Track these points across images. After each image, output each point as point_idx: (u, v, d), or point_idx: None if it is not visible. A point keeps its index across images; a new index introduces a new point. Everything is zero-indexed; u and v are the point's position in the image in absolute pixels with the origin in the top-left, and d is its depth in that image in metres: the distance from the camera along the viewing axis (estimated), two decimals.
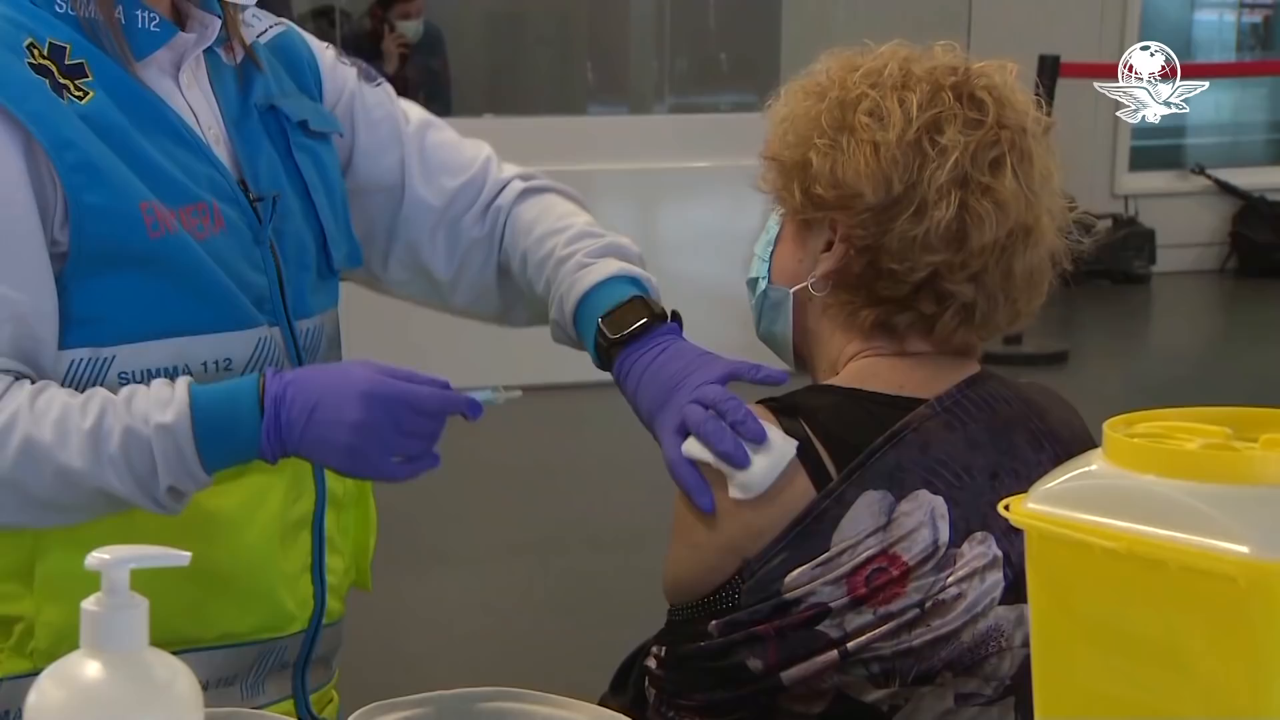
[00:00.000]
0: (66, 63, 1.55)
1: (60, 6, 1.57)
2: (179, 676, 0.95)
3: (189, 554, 0.99)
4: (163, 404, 1.50)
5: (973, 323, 1.61)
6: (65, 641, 1.47)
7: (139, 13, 1.59)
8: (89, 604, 0.94)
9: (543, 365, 5.74)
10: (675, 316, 1.69)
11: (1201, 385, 6.21)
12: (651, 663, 1.60)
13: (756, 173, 1.69)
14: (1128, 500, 1.07)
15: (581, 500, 4.92)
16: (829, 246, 1.62)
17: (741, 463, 1.52)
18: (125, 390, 1.52)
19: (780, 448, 1.53)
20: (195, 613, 1.63)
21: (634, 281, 1.72)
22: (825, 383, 1.64)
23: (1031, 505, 1.12)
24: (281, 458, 1.53)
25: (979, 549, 1.53)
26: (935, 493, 1.53)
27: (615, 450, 4.46)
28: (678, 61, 7.47)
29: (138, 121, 1.58)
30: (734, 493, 1.54)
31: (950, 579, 1.52)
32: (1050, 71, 5.88)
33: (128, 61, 1.58)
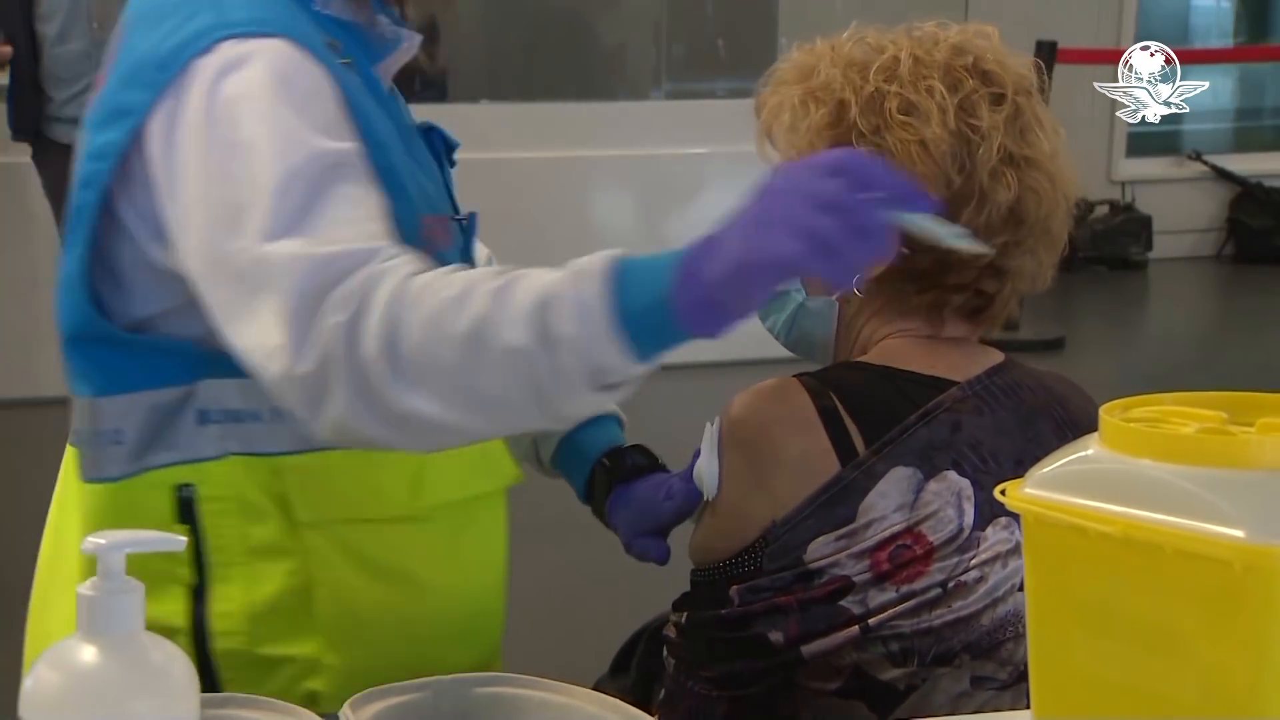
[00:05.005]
0: (340, 62, 1.49)
1: (318, 5, 1.51)
2: (175, 661, 0.95)
3: (184, 539, 0.99)
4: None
5: (1019, 292, 1.64)
6: (357, 681, 1.39)
7: (378, 17, 1.55)
8: (84, 589, 0.94)
9: None
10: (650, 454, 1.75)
11: (1198, 371, 6.21)
12: (671, 631, 1.62)
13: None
14: (1124, 484, 1.07)
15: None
16: None
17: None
18: None
19: (703, 452, 1.59)
20: (423, 659, 1.52)
21: (616, 419, 1.78)
22: (856, 359, 1.64)
23: (1028, 490, 1.13)
24: (698, 315, 1.24)
25: (1002, 534, 1.54)
26: (963, 475, 1.54)
27: None
28: (674, 48, 7.45)
29: (399, 127, 1.54)
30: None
31: (973, 561, 1.53)
32: (1047, 57, 5.87)
33: (381, 65, 1.55)
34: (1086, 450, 1.12)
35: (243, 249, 1.34)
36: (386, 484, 1.51)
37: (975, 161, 1.56)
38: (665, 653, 1.63)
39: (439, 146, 1.66)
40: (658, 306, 1.24)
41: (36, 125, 4.25)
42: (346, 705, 1.24)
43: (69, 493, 1.57)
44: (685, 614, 1.60)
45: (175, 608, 1.49)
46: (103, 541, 0.95)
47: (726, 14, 7.51)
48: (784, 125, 1.62)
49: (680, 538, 1.68)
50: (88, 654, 0.93)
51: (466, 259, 1.61)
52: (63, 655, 0.94)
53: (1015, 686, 1.56)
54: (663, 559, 1.67)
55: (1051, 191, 1.59)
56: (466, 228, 1.63)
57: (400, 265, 1.31)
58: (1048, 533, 1.11)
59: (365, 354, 1.28)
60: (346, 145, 1.39)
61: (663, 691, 1.62)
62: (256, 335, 1.33)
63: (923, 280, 1.60)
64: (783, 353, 1.73)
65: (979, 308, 1.63)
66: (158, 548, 0.97)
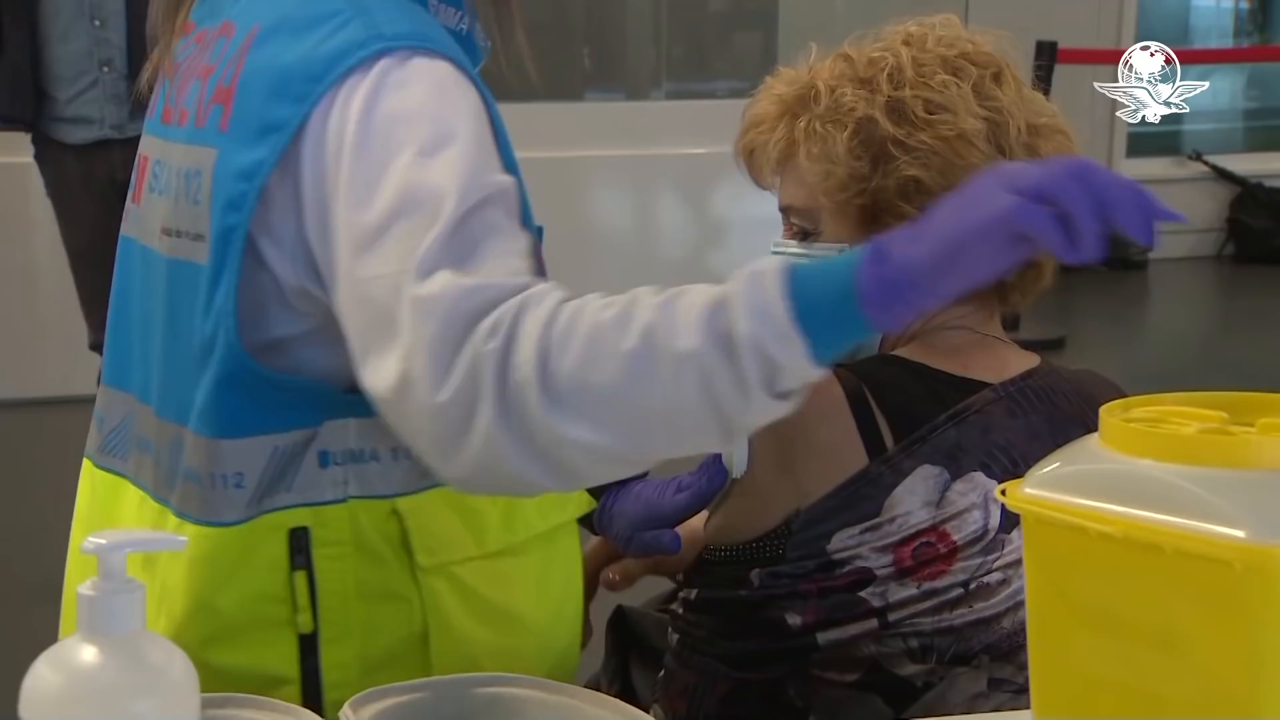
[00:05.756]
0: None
1: (432, 10, 1.46)
2: (175, 660, 0.95)
3: (185, 539, 0.99)
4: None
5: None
6: None
7: (476, 25, 1.51)
8: (85, 589, 0.94)
9: None
10: None
11: (1199, 371, 6.20)
12: (677, 606, 1.62)
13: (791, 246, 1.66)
14: (1124, 485, 1.07)
15: None
16: None
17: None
18: None
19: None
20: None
21: None
22: (893, 353, 1.65)
23: (1028, 490, 1.13)
24: (890, 295, 1.18)
25: None
26: (991, 476, 1.55)
27: None
28: (674, 48, 7.45)
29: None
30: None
31: (997, 563, 1.54)
32: (1048, 57, 5.87)
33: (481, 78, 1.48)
34: (1087, 450, 1.12)
35: (383, 275, 1.27)
36: (486, 516, 1.46)
37: (1009, 142, 1.58)
38: (669, 629, 1.64)
39: None
40: (840, 292, 1.18)
41: (28, 117, 4.24)
42: (347, 705, 1.24)
43: (98, 516, 1.52)
44: (696, 591, 1.61)
45: (287, 657, 1.41)
46: (103, 541, 0.95)
47: (726, 14, 7.51)
48: (812, 155, 1.61)
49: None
50: (88, 654, 0.93)
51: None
52: (63, 655, 0.94)
53: None
54: (676, 547, 1.65)
55: (1072, 147, 1.62)
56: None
57: (549, 292, 1.26)
58: (1048, 533, 1.11)
59: (518, 382, 1.22)
60: (503, 178, 1.33)
61: (661, 670, 1.63)
62: (392, 366, 1.26)
63: None
64: None
65: (1032, 277, 1.65)
66: (159, 547, 0.97)
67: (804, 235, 1.66)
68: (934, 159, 1.57)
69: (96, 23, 4.14)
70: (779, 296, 1.17)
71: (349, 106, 1.33)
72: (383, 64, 1.34)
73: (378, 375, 1.27)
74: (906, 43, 1.62)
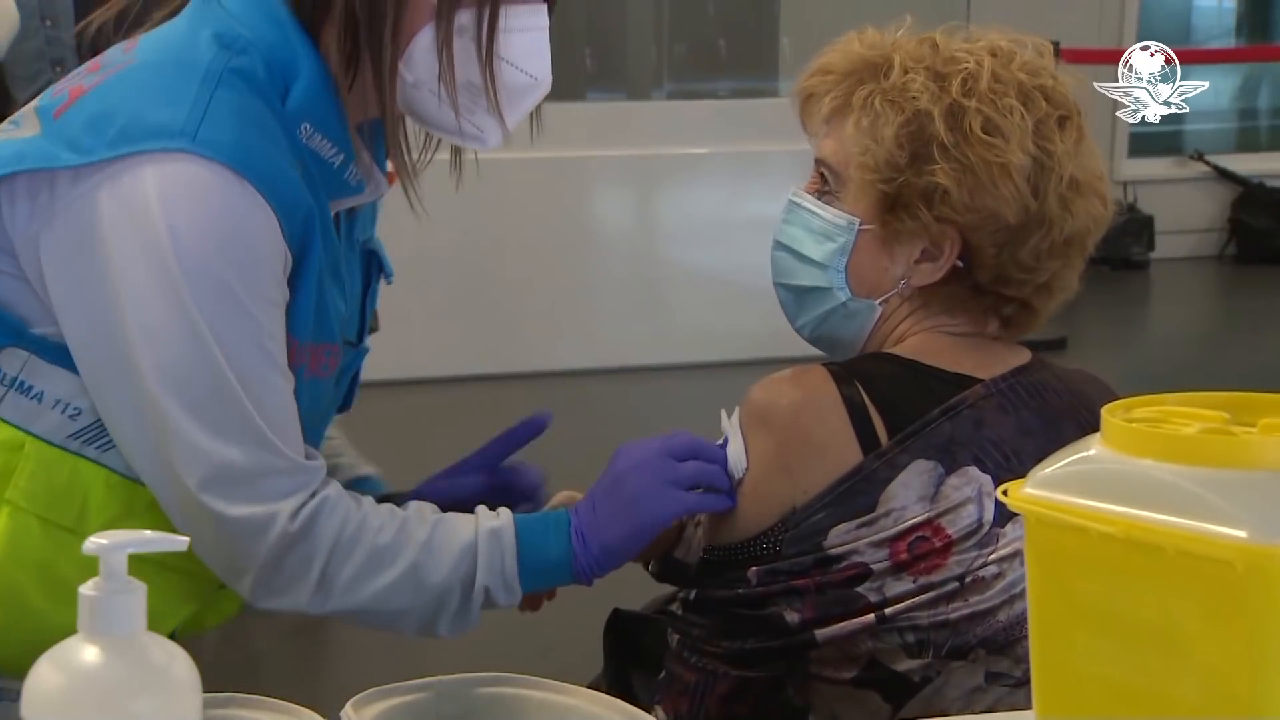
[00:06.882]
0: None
1: (303, 137, 1.54)
2: (176, 660, 0.95)
3: (186, 539, 0.99)
4: (488, 515, 1.59)
5: (1059, 304, 1.68)
6: None
7: (351, 165, 1.58)
8: (86, 589, 0.94)
9: (539, 352, 5.75)
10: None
11: (1200, 371, 6.20)
12: (676, 607, 1.63)
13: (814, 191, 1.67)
14: (1125, 485, 1.07)
15: (580, 486, 4.89)
16: (926, 256, 1.62)
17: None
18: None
19: (730, 438, 1.61)
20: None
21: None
22: (886, 351, 1.65)
23: (1030, 490, 1.13)
24: (596, 572, 1.60)
25: (1021, 531, 1.54)
26: (984, 471, 1.56)
27: (620, 436, 4.45)
28: (676, 47, 7.44)
29: (327, 257, 1.57)
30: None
31: (991, 557, 1.55)
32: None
33: (334, 202, 1.59)
34: (1088, 450, 1.12)
35: (160, 396, 1.47)
36: (99, 505, 1.55)
37: (1047, 187, 1.59)
38: (669, 630, 1.64)
39: (374, 267, 1.72)
40: (558, 565, 1.59)
41: None
42: (349, 704, 1.25)
43: None
44: (695, 590, 1.61)
45: None
46: (105, 541, 0.95)
47: (727, 14, 7.50)
48: (860, 126, 1.61)
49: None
50: (89, 654, 0.93)
51: (341, 384, 1.68)
52: (65, 655, 0.93)
53: (1029, 685, 1.56)
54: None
55: (1104, 214, 1.64)
56: (357, 354, 1.69)
57: (337, 503, 1.53)
58: (1049, 533, 1.11)
59: (298, 569, 1.52)
60: (276, 342, 1.51)
61: (661, 673, 1.63)
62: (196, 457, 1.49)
63: (983, 289, 1.64)
64: (792, 353, 1.73)
65: (1025, 319, 1.67)
66: (159, 547, 0.97)
67: (824, 193, 1.66)
68: (968, 177, 1.57)
69: (48, 22, 4.16)
70: (514, 561, 1.57)
71: (147, 217, 1.46)
72: (179, 163, 1.46)
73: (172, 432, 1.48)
74: (993, 54, 1.62)
